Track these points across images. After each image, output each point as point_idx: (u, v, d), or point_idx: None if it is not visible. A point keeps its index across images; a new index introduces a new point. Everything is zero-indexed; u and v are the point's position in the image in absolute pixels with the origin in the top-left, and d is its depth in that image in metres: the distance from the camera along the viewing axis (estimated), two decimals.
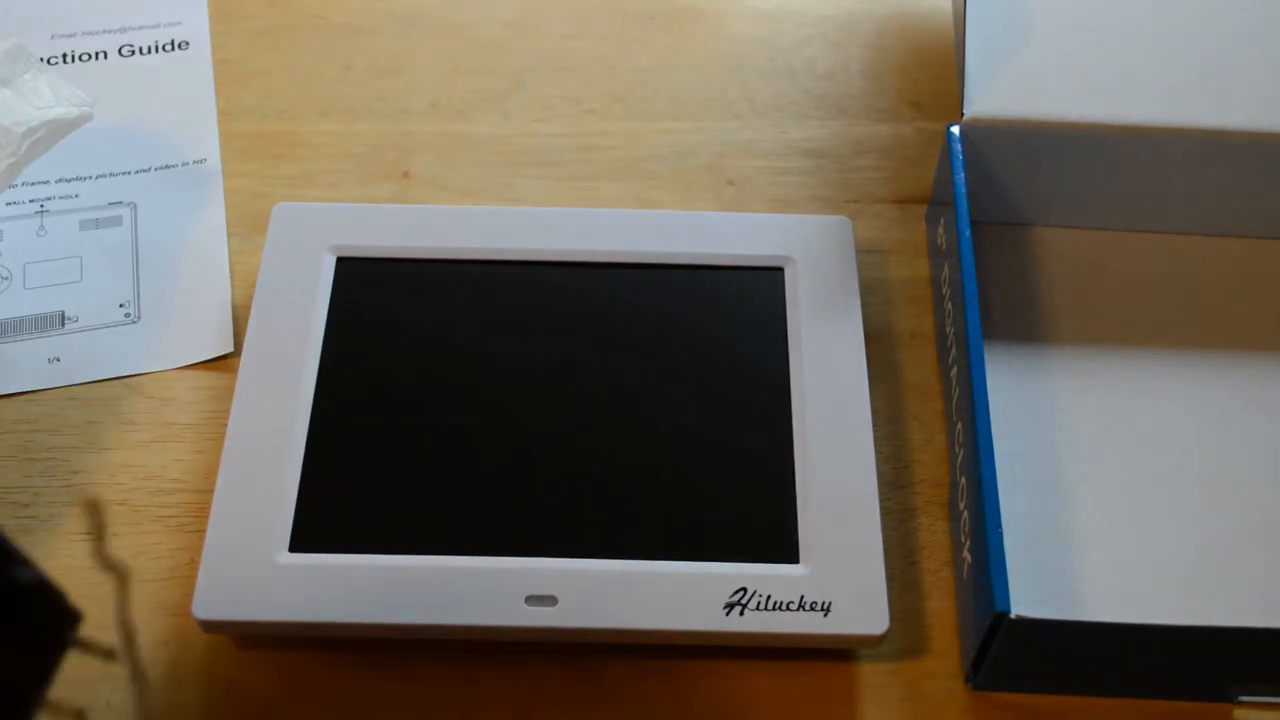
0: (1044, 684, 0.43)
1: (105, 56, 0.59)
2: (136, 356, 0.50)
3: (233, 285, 0.52)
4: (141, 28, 0.60)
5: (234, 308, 0.52)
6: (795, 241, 0.50)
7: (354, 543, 0.43)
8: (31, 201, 0.54)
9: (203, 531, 0.45)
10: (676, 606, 0.42)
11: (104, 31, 0.60)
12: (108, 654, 0.32)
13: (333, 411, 0.46)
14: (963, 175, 0.49)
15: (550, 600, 0.42)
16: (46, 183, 0.55)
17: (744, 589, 0.42)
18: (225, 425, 0.47)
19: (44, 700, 0.31)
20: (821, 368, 0.47)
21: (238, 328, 0.51)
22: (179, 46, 0.60)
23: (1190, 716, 0.43)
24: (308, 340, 0.48)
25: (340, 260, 0.50)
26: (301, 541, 0.43)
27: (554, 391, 0.47)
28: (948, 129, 0.50)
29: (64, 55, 0.59)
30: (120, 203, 0.55)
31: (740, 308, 0.49)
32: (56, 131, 0.51)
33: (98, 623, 0.44)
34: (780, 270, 0.50)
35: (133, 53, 0.60)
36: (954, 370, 0.47)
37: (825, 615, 0.42)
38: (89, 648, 0.32)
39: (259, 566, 0.43)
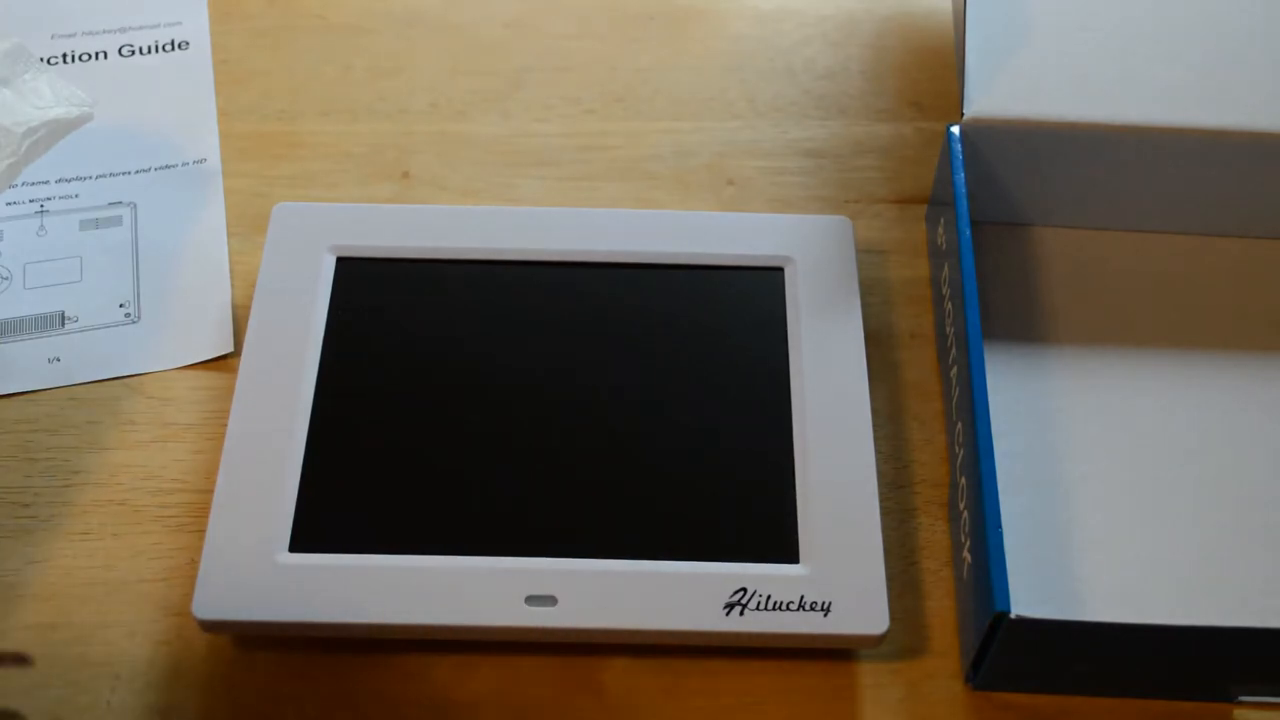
0: (1044, 684, 0.43)
1: (105, 56, 0.59)
2: (136, 356, 0.50)
3: (233, 285, 0.52)
4: (141, 28, 0.60)
5: (234, 308, 0.52)
6: (795, 241, 0.50)
7: (354, 543, 0.43)
8: (31, 201, 0.54)
9: (203, 531, 0.45)
10: (676, 606, 0.42)
11: (104, 31, 0.60)
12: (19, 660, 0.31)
13: (332, 411, 0.46)
14: (963, 175, 0.49)
15: (550, 600, 0.42)
16: (46, 183, 0.55)
17: (744, 589, 0.42)
18: (225, 425, 0.47)
19: None
20: (821, 368, 0.47)
21: (238, 328, 0.51)
22: (179, 46, 0.60)
23: (1190, 716, 0.43)
24: (308, 340, 0.48)
25: (340, 260, 0.50)
26: (301, 541, 0.43)
27: (554, 391, 0.47)
28: (948, 129, 0.50)
29: (64, 55, 0.59)
30: (120, 203, 0.54)
31: (740, 308, 0.49)
32: (56, 131, 0.51)
33: (96, 622, 0.44)
34: (780, 270, 0.50)
35: (133, 53, 0.60)
36: (954, 370, 0.47)
37: (825, 615, 0.42)
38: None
39: (259, 566, 0.43)
